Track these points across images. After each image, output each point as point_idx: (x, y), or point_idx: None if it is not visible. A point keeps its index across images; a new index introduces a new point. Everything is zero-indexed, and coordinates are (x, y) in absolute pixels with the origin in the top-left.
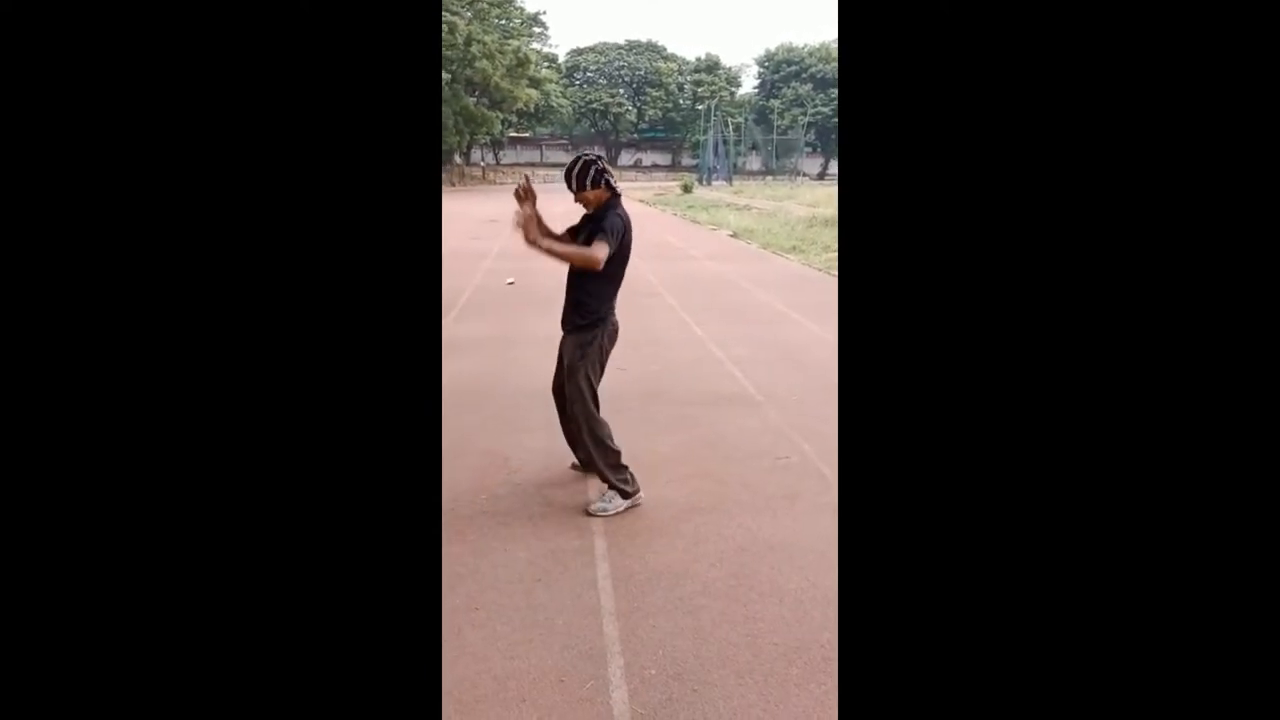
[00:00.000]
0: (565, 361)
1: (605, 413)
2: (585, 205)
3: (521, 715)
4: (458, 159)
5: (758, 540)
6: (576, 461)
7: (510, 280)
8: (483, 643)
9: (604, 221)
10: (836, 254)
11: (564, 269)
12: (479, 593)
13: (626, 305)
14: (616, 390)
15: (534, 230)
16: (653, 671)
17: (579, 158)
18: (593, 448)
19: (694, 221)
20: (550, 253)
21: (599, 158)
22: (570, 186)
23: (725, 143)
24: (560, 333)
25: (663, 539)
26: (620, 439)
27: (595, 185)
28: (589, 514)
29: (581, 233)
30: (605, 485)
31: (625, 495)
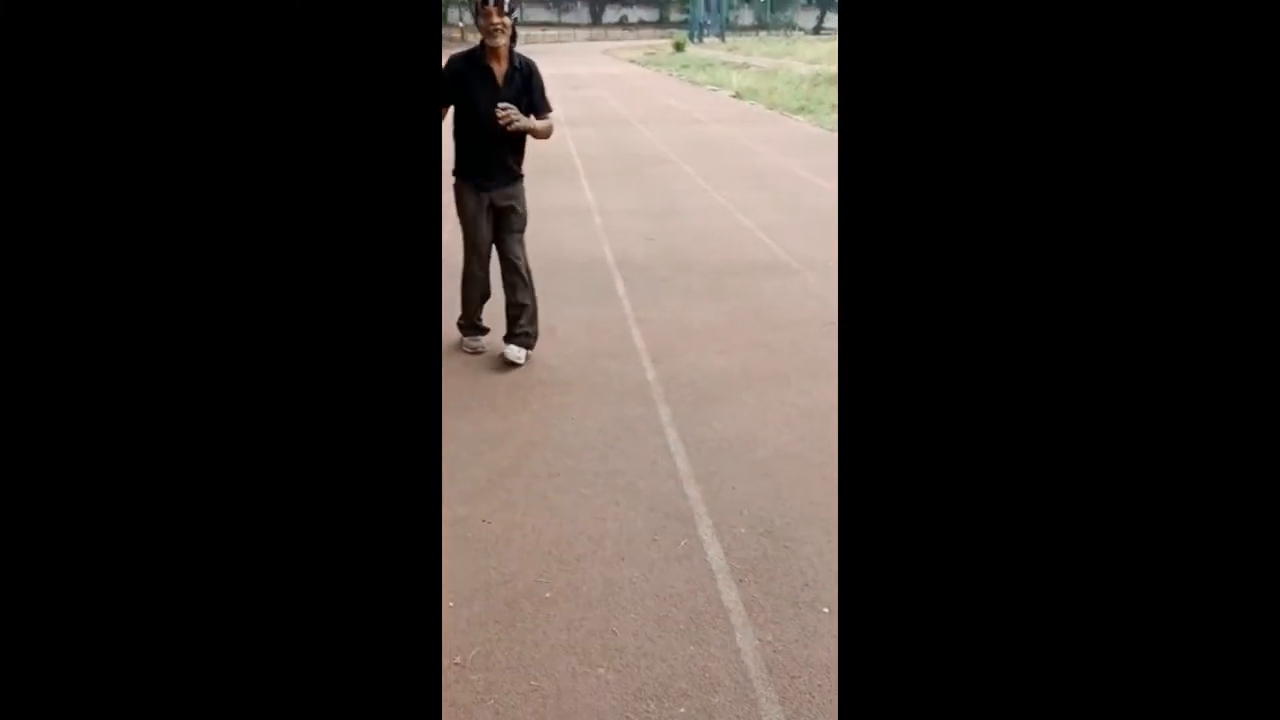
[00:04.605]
0: (513, 210)
1: (640, 282)
2: (499, 33)
3: (622, 572)
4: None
5: (820, 405)
6: (478, 323)
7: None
8: (570, 506)
9: (537, 80)
10: None
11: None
12: (555, 459)
13: (639, 174)
14: (648, 261)
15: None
16: (742, 530)
17: None
18: (533, 296)
19: (692, 82)
20: (533, 131)
21: None
22: (503, 8)
23: None
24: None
25: (727, 407)
26: (662, 309)
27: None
28: (513, 360)
29: (470, 80)
30: (527, 336)
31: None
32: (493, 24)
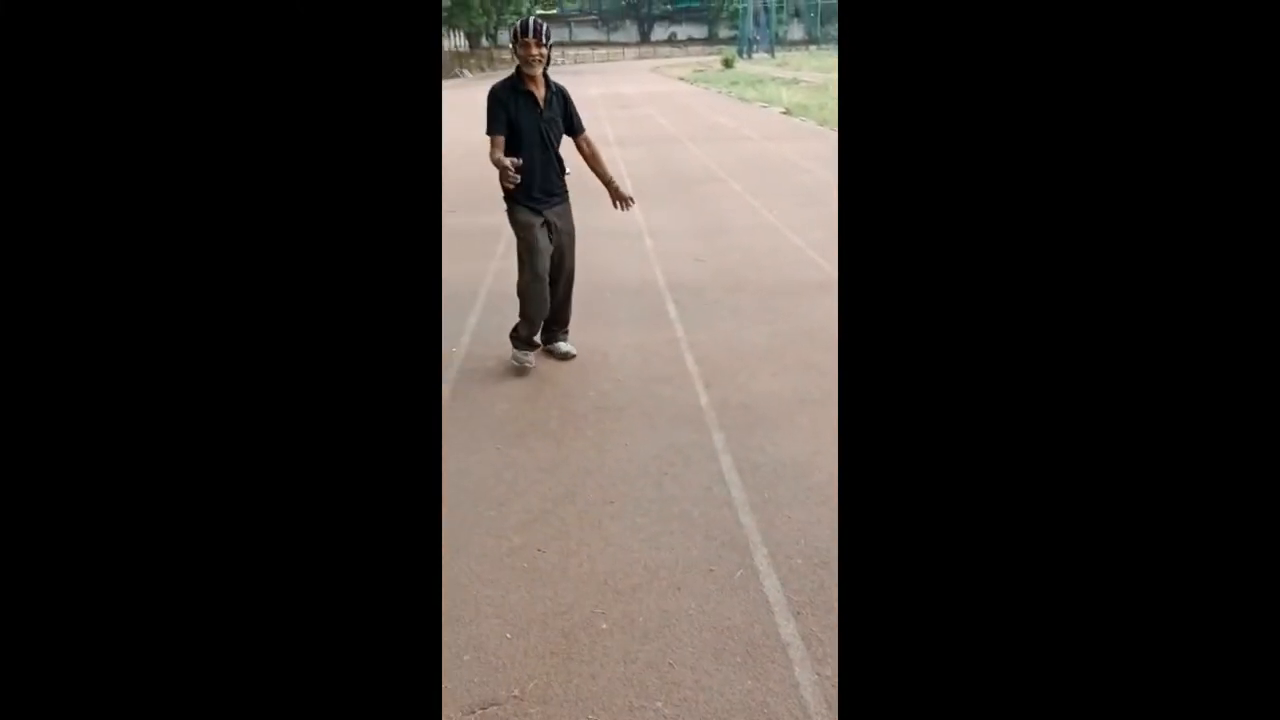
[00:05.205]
0: (566, 230)
1: (691, 305)
2: (536, 63)
3: (678, 603)
4: (485, 41)
5: None
6: (547, 341)
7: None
8: (624, 534)
9: (571, 104)
10: None
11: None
12: (610, 487)
13: (689, 193)
14: (698, 283)
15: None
16: (799, 561)
17: (531, 16)
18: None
19: (742, 99)
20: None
21: None
22: (541, 40)
23: (766, 10)
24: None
25: (780, 431)
26: (714, 331)
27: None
28: (570, 353)
29: (516, 108)
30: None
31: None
32: (531, 54)
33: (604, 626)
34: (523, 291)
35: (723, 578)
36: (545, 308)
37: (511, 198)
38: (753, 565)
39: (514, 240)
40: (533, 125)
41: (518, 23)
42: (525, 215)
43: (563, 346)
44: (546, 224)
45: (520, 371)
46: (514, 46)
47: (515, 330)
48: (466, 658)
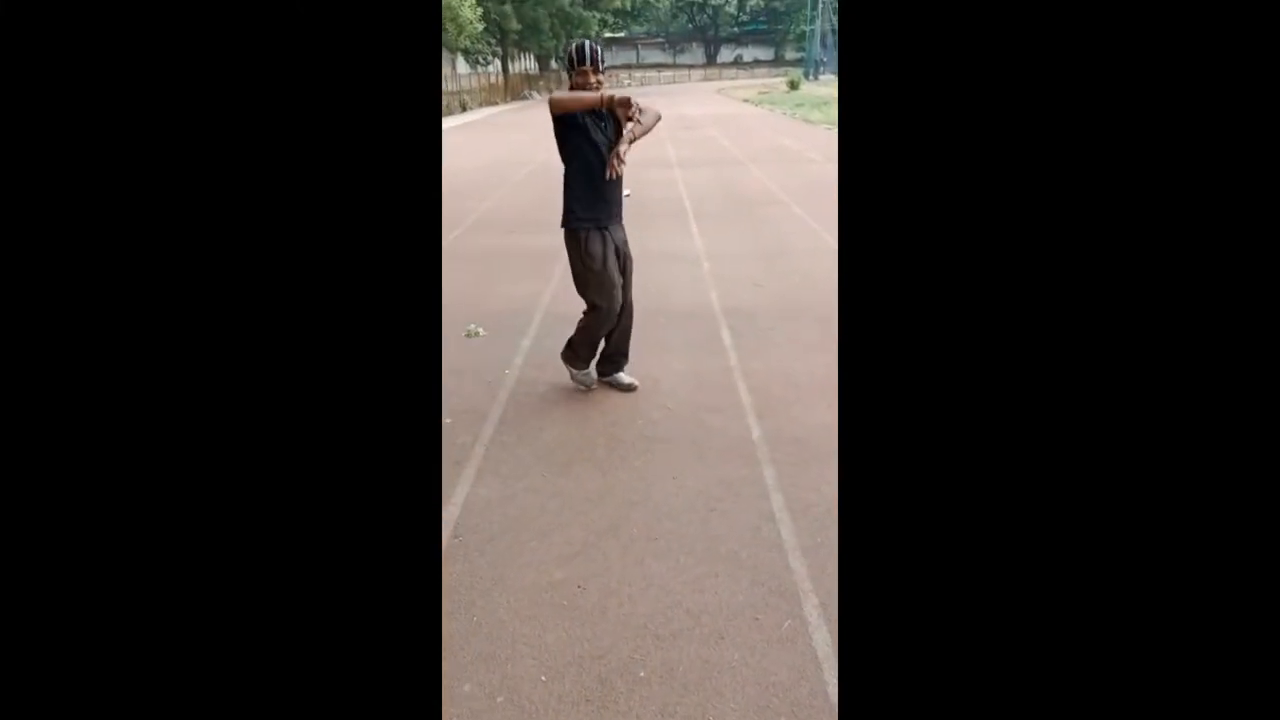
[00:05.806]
0: (627, 255)
1: (747, 331)
2: (593, 90)
3: (721, 654)
4: (554, 64)
5: None
6: (606, 374)
7: (627, 193)
8: (668, 574)
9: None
10: None
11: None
12: (655, 522)
13: (750, 215)
14: (756, 308)
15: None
16: None
17: (585, 40)
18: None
19: (806, 121)
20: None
21: None
22: (598, 67)
23: (833, 31)
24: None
25: (835, 468)
26: (768, 359)
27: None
28: (633, 384)
29: (587, 122)
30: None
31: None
32: (589, 82)
33: (642, 674)
34: (593, 329)
35: (769, 628)
36: (611, 328)
37: (575, 221)
38: (801, 615)
39: (569, 268)
40: (600, 138)
41: (572, 49)
42: (596, 245)
43: (624, 379)
44: (615, 250)
45: (588, 389)
46: (569, 74)
47: (574, 351)
48: (500, 699)
